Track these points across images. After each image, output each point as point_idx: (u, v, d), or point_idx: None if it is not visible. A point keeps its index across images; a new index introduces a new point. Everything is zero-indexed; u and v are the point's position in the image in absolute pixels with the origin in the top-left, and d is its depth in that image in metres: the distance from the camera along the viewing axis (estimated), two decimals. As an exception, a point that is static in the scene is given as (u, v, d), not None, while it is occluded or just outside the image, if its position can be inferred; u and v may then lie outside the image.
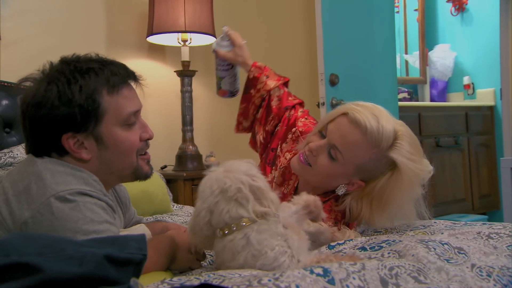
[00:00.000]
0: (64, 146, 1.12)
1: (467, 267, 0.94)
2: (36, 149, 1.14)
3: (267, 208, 1.01)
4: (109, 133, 1.14)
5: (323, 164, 1.37)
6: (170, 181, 2.54)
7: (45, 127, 1.11)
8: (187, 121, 2.77)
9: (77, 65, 1.14)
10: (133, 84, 1.21)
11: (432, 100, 4.35)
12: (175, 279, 0.87)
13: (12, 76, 2.41)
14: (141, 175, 1.23)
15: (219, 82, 1.79)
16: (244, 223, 0.99)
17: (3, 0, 2.46)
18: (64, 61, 1.16)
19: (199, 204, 1.03)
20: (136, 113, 1.19)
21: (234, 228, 0.99)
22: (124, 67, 1.19)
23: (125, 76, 1.18)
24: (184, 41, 2.73)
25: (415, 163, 1.36)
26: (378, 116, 1.33)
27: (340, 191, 1.41)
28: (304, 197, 1.16)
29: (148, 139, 1.22)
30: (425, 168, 1.40)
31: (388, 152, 1.33)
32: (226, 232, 1.00)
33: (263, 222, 1.00)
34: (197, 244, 1.09)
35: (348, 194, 1.41)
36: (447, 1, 4.36)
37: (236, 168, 1.03)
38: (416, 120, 3.66)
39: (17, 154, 2.10)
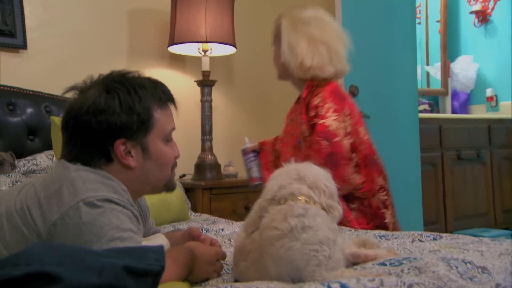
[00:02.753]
0: (115, 151, 1.17)
1: (491, 287, 0.92)
2: (82, 155, 1.18)
3: (335, 204, 1.07)
4: (154, 145, 1.21)
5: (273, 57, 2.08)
6: (188, 190, 2.55)
7: (101, 132, 1.16)
8: (206, 131, 2.78)
9: (132, 79, 1.22)
10: (172, 107, 1.30)
11: (453, 112, 4.30)
12: (192, 290, 0.87)
13: (36, 85, 2.46)
14: (170, 187, 1.30)
15: (249, 173, 2.28)
16: (309, 201, 1.03)
17: (30, 10, 2.52)
18: (119, 74, 1.23)
19: (272, 183, 1.09)
20: (173, 131, 1.27)
21: (299, 199, 1.03)
22: (168, 89, 1.28)
23: (171, 97, 1.27)
24: (205, 51, 2.75)
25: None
26: None
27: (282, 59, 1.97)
28: (360, 250, 1.18)
29: (177, 157, 1.29)
30: None
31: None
32: (289, 200, 1.03)
33: (325, 213, 1.04)
34: (250, 223, 1.11)
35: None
36: (470, 13, 4.32)
37: (316, 168, 1.11)
38: (437, 132, 3.62)
39: (39, 162, 2.13)
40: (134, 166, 1.19)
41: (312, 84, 1.86)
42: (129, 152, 1.18)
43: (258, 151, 2.22)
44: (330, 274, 0.97)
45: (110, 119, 1.15)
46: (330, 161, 1.69)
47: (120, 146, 1.17)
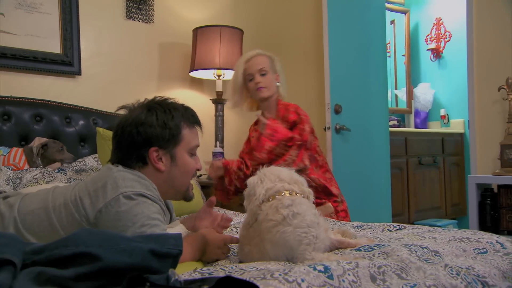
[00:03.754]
0: (149, 156, 1.18)
1: (441, 267, 0.91)
2: (124, 158, 1.19)
3: (309, 190, 1.06)
4: (180, 155, 1.21)
5: (266, 79, 2.03)
6: (204, 187, 2.54)
7: (140, 140, 1.17)
8: (219, 139, 2.78)
9: (169, 103, 1.24)
10: (198, 128, 1.30)
11: (416, 127, 4.28)
12: (204, 269, 0.86)
13: (88, 102, 2.47)
14: (188, 197, 1.30)
15: None
16: (293, 193, 1.02)
17: (85, 44, 2.53)
18: (159, 99, 1.25)
19: (259, 189, 1.06)
20: (197, 147, 1.28)
21: (284, 194, 1.01)
22: (197, 114, 1.29)
23: (198, 121, 1.29)
24: (219, 75, 2.76)
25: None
26: (252, 50, 2.11)
27: (277, 83, 2.09)
28: (345, 238, 1.16)
29: (198, 169, 1.29)
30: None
31: (265, 54, 2.09)
32: (277, 196, 1.02)
33: (306, 200, 1.03)
34: (247, 223, 1.09)
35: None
36: (427, 50, 4.32)
37: (285, 169, 1.11)
38: (403, 143, 3.60)
39: (88, 163, 2.13)
40: (163, 169, 1.19)
41: (281, 102, 2.09)
42: (161, 158, 1.19)
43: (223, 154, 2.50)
44: (318, 255, 0.95)
45: (148, 130, 1.16)
46: (304, 144, 1.96)
47: (153, 153, 1.18)
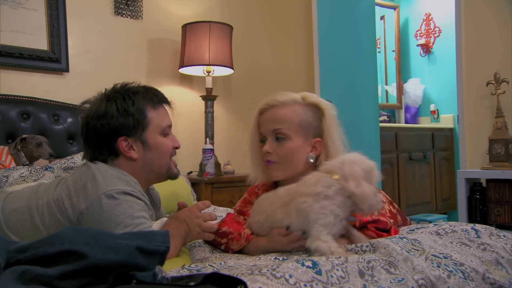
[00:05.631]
0: (118, 147, 1.15)
1: (422, 260, 0.92)
2: (95, 154, 1.16)
3: (367, 195, 1.02)
4: (152, 138, 1.18)
5: (282, 149, 1.20)
6: (194, 184, 2.53)
7: (105, 132, 1.14)
8: (209, 136, 2.77)
9: (129, 88, 1.20)
10: (166, 107, 1.25)
11: (406, 122, 4.31)
12: (192, 266, 0.86)
13: (76, 99, 2.43)
14: (172, 175, 1.26)
15: (204, 168, 2.55)
16: (340, 182, 1.02)
17: (73, 41, 2.50)
18: (120, 86, 1.21)
19: (327, 163, 1.10)
20: (170, 127, 1.24)
21: (334, 176, 1.03)
22: (161, 93, 1.24)
23: (163, 99, 1.23)
24: (208, 72, 2.74)
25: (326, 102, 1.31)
26: (278, 93, 1.27)
27: (311, 158, 1.21)
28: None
29: (177, 147, 1.25)
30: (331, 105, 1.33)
31: (306, 100, 1.25)
32: (328, 174, 1.05)
33: (345, 196, 1.02)
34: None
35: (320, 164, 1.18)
36: (417, 45, 4.35)
37: (365, 162, 1.10)
38: (393, 138, 3.63)
39: (76, 160, 2.11)
40: (136, 157, 1.16)
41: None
42: (131, 146, 1.16)
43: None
44: (328, 243, 0.96)
45: (110, 121, 1.14)
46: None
47: (122, 142, 1.15)
